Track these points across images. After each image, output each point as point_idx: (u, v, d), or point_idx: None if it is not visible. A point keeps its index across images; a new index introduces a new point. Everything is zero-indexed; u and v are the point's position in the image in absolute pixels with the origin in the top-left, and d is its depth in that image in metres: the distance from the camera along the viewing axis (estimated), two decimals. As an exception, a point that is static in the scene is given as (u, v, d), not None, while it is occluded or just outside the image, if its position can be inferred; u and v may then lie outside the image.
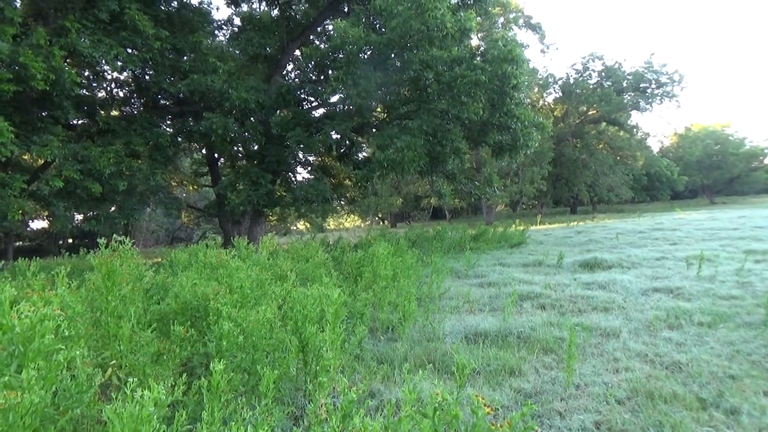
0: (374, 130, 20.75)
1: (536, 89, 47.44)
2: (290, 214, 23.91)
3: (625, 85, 46.32)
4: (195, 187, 26.12)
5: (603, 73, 47.99)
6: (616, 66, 47.48)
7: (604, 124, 50.17)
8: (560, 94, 50.13)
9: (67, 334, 2.58)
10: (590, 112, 49.17)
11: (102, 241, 4.07)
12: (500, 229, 21.48)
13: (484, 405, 1.72)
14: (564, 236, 21.94)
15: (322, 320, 4.78)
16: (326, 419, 2.98)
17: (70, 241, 32.49)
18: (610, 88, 46.12)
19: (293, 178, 21.54)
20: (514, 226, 23.14)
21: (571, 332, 4.83)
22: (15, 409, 2.11)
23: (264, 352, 4.12)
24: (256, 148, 19.82)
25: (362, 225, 57.96)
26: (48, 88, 12.48)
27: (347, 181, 22.87)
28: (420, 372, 3.25)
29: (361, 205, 31.79)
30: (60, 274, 3.22)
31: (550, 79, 49.24)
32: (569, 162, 47.48)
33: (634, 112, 48.39)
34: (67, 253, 13.97)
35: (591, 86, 47.98)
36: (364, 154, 21.45)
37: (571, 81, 49.03)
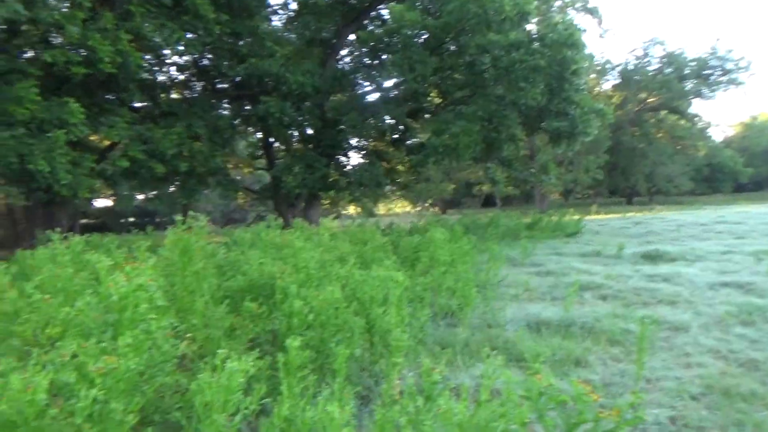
0: (429, 115, 20.62)
1: (593, 75, 46.00)
2: (342, 199, 24.06)
3: (687, 71, 44.30)
4: (251, 169, 26.62)
5: (664, 59, 46.05)
6: (678, 52, 45.45)
7: (664, 112, 48.27)
8: (618, 80, 48.47)
9: (159, 304, 2.67)
10: (650, 100, 47.37)
11: (179, 217, 4.19)
12: (555, 218, 21.03)
13: (590, 391, 1.67)
14: (621, 227, 21.32)
15: (386, 302, 4.79)
16: (399, 400, 2.98)
17: (132, 219, 33.84)
18: (671, 75, 44.26)
19: (347, 162, 21.66)
20: (568, 215, 22.61)
21: (642, 325, 4.67)
22: (112, 374, 2.19)
23: (331, 331, 4.16)
24: (311, 132, 20.01)
25: (412, 211, 57.90)
26: (114, 71, 12.86)
27: (400, 167, 22.82)
28: (487, 358, 3.21)
29: (413, 190, 31.71)
30: (140, 248, 3.32)
31: (607, 65, 47.69)
32: (626, 151, 45.96)
33: (696, 100, 46.41)
34: (131, 230, 14.50)
35: (651, 73, 46.16)
36: (418, 139, 21.32)
37: (631, 67, 47.31)
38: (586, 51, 17.54)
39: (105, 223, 33.26)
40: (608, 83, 49.57)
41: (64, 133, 11.40)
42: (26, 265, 4.54)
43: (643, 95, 47.18)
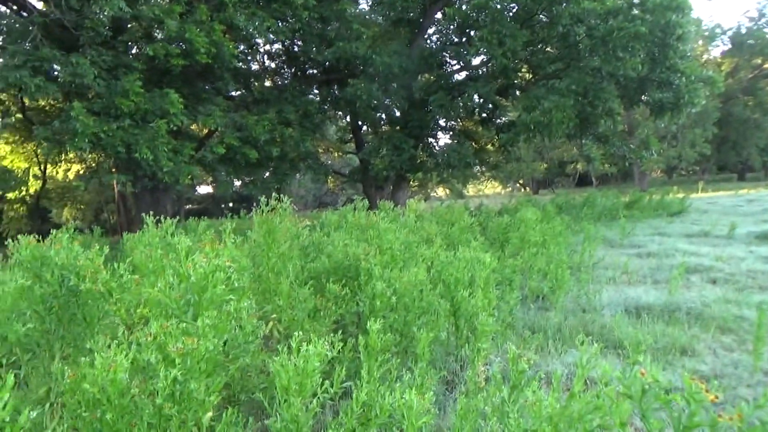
0: (519, 91, 19.88)
1: (700, 42, 42.46)
2: (431, 180, 23.86)
3: (810, 32, 39.85)
4: (340, 153, 27.03)
5: (783, 20, 41.65)
6: (802, 10, 40.92)
7: (782, 78, 43.77)
8: (729, 46, 44.43)
9: (236, 285, 2.68)
10: (766, 65, 43.08)
11: (263, 199, 4.24)
12: (656, 196, 19.73)
13: (705, 390, 1.44)
14: (732, 205, 19.64)
15: (472, 285, 4.62)
16: (485, 388, 2.83)
17: (231, 204, 35.56)
18: (792, 37, 40.01)
19: (435, 143, 21.41)
20: (671, 193, 21.13)
21: (760, 311, 4.21)
22: (192, 355, 2.21)
23: (415, 314, 4.06)
24: (398, 113, 19.92)
25: (503, 191, 56.60)
26: (210, 62, 13.38)
27: (489, 146, 22.25)
28: (581, 344, 2.97)
29: (503, 170, 30.92)
30: (226, 230, 3.37)
31: (717, 30, 43.81)
32: (738, 122, 42.17)
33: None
34: (230, 215, 15.19)
35: (768, 36, 41.92)
36: (508, 117, 20.66)
37: (743, 31, 43.17)
38: (693, 14, 16.12)
39: (207, 209, 35.21)
40: (717, 50, 45.67)
41: (166, 122, 12.03)
42: (123, 248, 4.82)
43: (758, 61, 43.01)
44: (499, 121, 20.28)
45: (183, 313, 2.47)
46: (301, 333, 2.55)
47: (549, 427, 2.01)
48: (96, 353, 2.09)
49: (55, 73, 12.43)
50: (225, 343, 2.65)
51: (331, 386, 2.55)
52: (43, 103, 16.23)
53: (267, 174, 17.72)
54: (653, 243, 10.76)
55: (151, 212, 4.70)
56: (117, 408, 2.00)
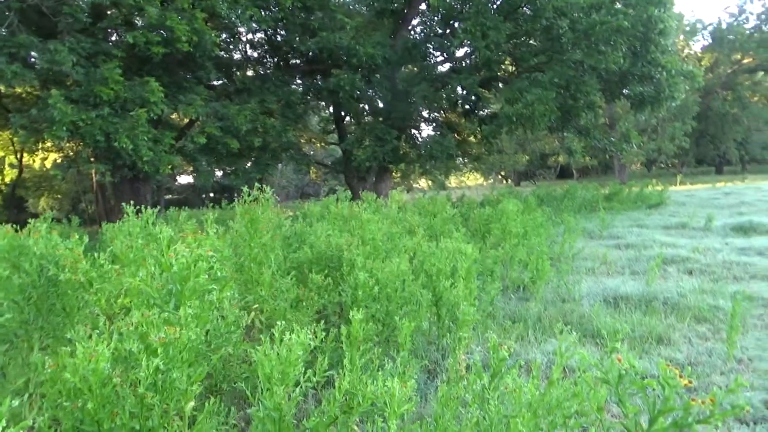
0: (502, 84, 19.97)
1: (682, 36, 42.92)
2: (413, 171, 23.90)
3: (789, 29, 40.48)
4: (322, 144, 26.91)
5: (763, 16, 42.20)
6: (780, 7, 41.52)
7: (761, 73, 44.40)
8: (710, 41, 44.97)
9: (219, 275, 2.67)
10: (745, 61, 43.69)
11: (245, 189, 4.22)
12: (636, 188, 19.99)
13: (679, 376, 1.48)
14: (710, 198, 19.98)
15: (454, 275, 4.66)
16: (465, 376, 2.87)
17: (212, 195, 35.28)
18: (771, 33, 40.59)
19: (418, 135, 21.43)
20: (651, 185, 21.42)
21: (733, 300, 4.30)
22: (174, 344, 2.20)
23: (397, 304, 4.08)
24: (381, 104, 19.89)
25: (485, 183, 56.86)
26: (191, 50, 13.20)
27: (472, 138, 22.33)
28: (560, 333, 3.02)
29: (485, 162, 31.05)
30: (208, 220, 3.35)
31: (698, 25, 44.31)
32: (717, 117, 42.77)
33: (797, 60, 42.27)
34: (211, 205, 15.07)
35: (748, 31, 42.46)
36: (491, 109, 20.74)
37: (724, 26, 43.71)
38: (674, 9, 16.29)
39: (187, 199, 34.86)
40: (698, 44, 46.18)
41: (146, 111, 11.87)
42: (103, 238, 4.77)
43: (737, 56, 43.60)
44: (481, 113, 20.34)
45: (165, 303, 2.46)
46: (283, 323, 2.56)
47: (528, 414, 2.04)
48: (77, 343, 2.07)
49: (33, 59, 12.20)
50: (207, 333, 2.64)
51: (314, 375, 2.57)
52: (19, 91, 15.90)
53: (248, 164, 17.60)
54: (632, 234, 10.92)
55: (131, 202, 4.65)
56: (98, 397, 1.99)
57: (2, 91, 15.39)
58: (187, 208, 15.01)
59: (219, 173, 19.50)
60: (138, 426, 2.13)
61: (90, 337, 2.28)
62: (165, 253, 2.54)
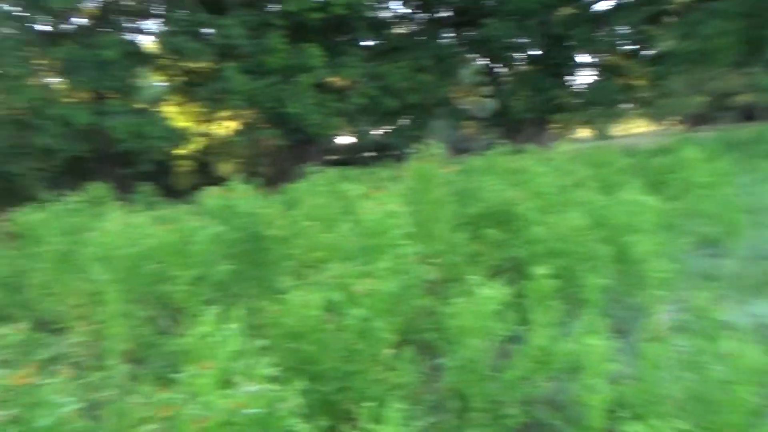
0: (673, 17, 17.95)
1: None
2: (573, 121, 22.61)
3: None
4: (475, 97, 26.36)
5: None
6: None
7: None
8: None
9: (408, 230, 2.76)
10: None
11: (416, 145, 4.28)
12: None
13: None
14: None
15: (636, 229, 4.36)
16: (666, 336, 2.70)
17: (369, 154, 36.49)
18: None
19: (577, 82, 20.18)
20: None
21: None
22: (374, 295, 2.33)
23: (577, 259, 3.93)
24: (536, 52, 18.96)
25: (653, 130, 52.14)
26: (346, 12, 13.53)
27: (638, 81, 20.46)
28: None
29: (653, 107, 28.37)
30: (384, 177, 3.47)
31: None
32: None
33: None
34: (370, 164, 15.62)
35: None
36: (660, 48, 18.78)
37: None
38: None
39: (346, 159, 36.46)
40: None
41: (309, 76, 12.53)
42: (290, 196, 5.15)
43: None
44: (649, 52, 18.51)
45: (360, 256, 2.61)
46: (473, 277, 2.58)
47: (753, 380, 1.87)
48: (288, 292, 2.28)
49: (207, 36, 13.33)
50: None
51: (503, 329, 2.58)
52: (201, 65, 17.56)
53: (405, 122, 17.87)
54: None
55: (300, 164, 4.95)
56: (313, 341, 2.18)
57: (186, 67, 17.09)
58: (348, 167, 15.70)
59: (377, 132, 20.05)
60: (346, 368, 2.30)
61: (295, 287, 2.49)
62: (357, 209, 2.68)
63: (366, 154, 21.39)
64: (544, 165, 6.06)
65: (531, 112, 17.21)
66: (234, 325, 1.80)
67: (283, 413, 1.48)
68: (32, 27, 13.32)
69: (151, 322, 3.53)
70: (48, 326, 4.25)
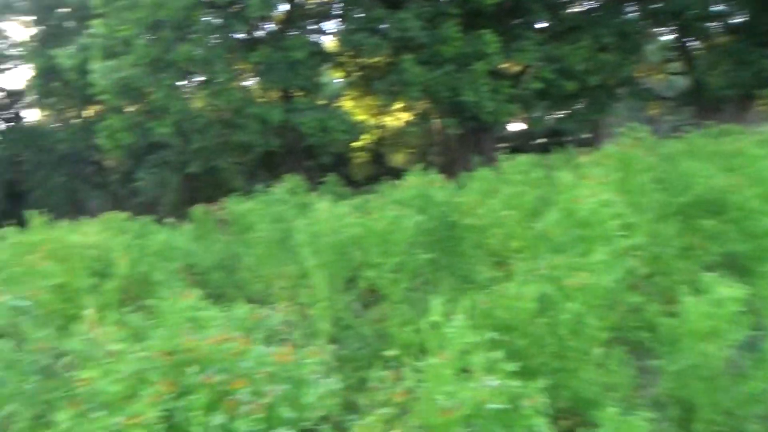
0: None
1: None
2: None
3: None
4: (663, 75, 23.98)
5: None
6: None
7: None
8: None
9: (627, 221, 2.57)
10: None
11: (619, 129, 3.98)
12: None
13: None
14: None
15: None
16: None
17: (543, 140, 34.99)
18: None
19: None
20: None
21: None
22: (587, 290, 2.19)
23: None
24: (740, 20, 16.67)
25: None
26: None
27: None
28: None
29: None
30: (584, 164, 3.26)
31: None
32: None
33: None
34: (542, 152, 14.99)
35: None
36: None
37: None
38: None
39: (518, 146, 35.32)
40: None
41: (484, 63, 12.37)
42: (483, 185, 5.08)
43: None
44: None
45: (571, 248, 2.47)
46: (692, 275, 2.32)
47: None
48: (495, 283, 2.23)
49: (382, 31, 13.72)
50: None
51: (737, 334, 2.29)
52: (376, 60, 18.20)
53: (582, 106, 16.84)
54: None
55: (474, 152, 4.85)
56: (524, 335, 2.11)
57: (363, 62, 17.82)
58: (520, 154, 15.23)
59: (552, 117, 19.16)
60: (557, 365, 2.20)
61: (503, 279, 2.44)
62: (565, 198, 2.54)
63: (539, 140, 20.61)
64: (765, 147, 5.28)
65: (733, 88, 15.19)
66: (461, 316, 1.79)
67: (528, 411, 1.44)
68: (232, 35, 14.84)
69: (350, 306, 3.73)
70: (257, 306, 4.72)
